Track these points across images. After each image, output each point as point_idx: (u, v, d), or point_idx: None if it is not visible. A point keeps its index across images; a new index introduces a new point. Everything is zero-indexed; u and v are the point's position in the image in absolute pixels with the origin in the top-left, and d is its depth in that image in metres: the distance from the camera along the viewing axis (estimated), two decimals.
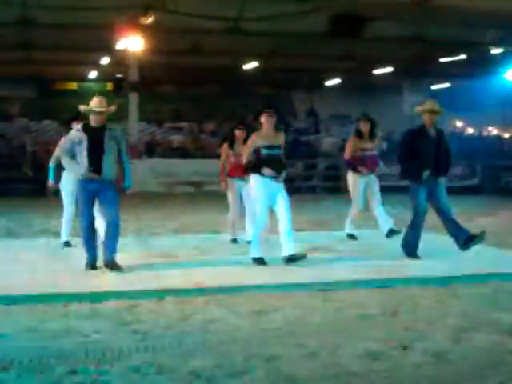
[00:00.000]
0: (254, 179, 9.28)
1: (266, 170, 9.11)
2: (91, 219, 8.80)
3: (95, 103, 8.63)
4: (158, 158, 23.57)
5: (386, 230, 11.21)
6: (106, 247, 8.71)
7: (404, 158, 9.82)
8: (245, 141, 10.39)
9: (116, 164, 8.78)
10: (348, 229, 11.57)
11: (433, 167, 9.54)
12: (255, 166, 9.24)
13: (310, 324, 6.47)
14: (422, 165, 9.51)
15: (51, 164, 10.54)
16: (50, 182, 10.61)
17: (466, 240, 9.60)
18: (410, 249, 9.76)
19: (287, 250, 9.09)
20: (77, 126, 8.90)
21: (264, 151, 9.19)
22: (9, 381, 4.97)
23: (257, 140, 9.29)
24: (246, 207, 10.73)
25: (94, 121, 8.67)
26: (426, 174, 9.48)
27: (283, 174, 9.28)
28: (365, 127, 11.37)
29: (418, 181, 9.52)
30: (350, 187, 11.55)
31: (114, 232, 8.69)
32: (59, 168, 10.03)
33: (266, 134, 9.30)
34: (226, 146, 10.98)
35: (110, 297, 7.35)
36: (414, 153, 9.58)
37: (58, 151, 10.05)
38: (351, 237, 11.48)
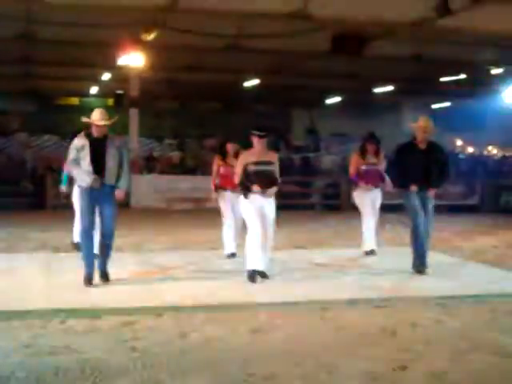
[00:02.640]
0: (242, 198, 9.39)
1: (255, 187, 9.19)
2: (91, 226, 9.00)
3: (96, 116, 8.89)
4: (158, 173, 23.60)
5: (364, 248, 11.48)
6: (100, 257, 9.03)
7: (392, 170, 10.23)
8: (236, 155, 10.58)
9: (118, 171, 8.99)
10: (366, 246, 11.54)
11: (422, 181, 9.72)
12: (244, 183, 9.33)
13: (309, 343, 6.44)
14: (410, 177, 9.73)
15: (65, 172, 10.57)
16: (62, 188, 10.63)
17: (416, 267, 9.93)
18: (416, 262, 9.88)
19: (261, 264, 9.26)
20: (79, 134, 9.16)
21: (251, 167, 9.28)
22: None
23: (246, 157, 9.41)
24: (235, 219, 10.84)
25: (95, 132, 8.94)
26: (413, 188, 9.68)
27: (271, 191, 9.29)
28: (371, 147, 11.42)
29: (407, 191, 9.75)
30: (358, 204, 11.55)
31: (108, 242, 8.98)
32: (72, 179, 10.19)
33: (254, 152, 9.40)
34: (217, 158, 11.07)
35: (109, 313, 7.33)
36: (402, 165, 9.79)
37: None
38: (371, 252, 11.45)
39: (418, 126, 9.82)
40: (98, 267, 8.98)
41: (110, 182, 8.91)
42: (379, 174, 11.50)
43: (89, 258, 8.97)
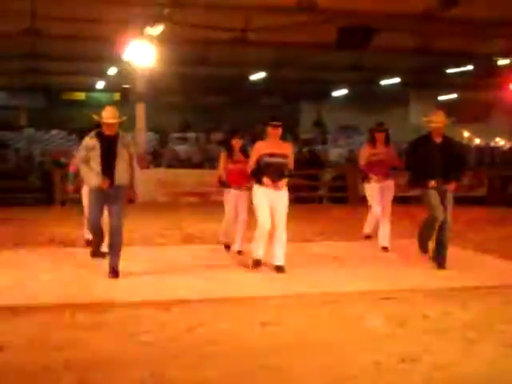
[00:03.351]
0: (255, 187, 9.52)
1: (265, 180, 9.30)
2: (99, 224, 9.11)
3: (107, 114, 8.88)
4: (165, 167, 23.63)
5: (380, 244, 11.30)
6: (109, 255, 9.01)
7: (411, 167, 9.98)
8: (241, 150, 10.77)
9: (128, 170, 9.00)
10: (366, 229, 11.68)
11: (440, 175, 9.59)
12: (256, 174, 9.44)
13: (319, 335, 6.45)
14: (427, 172, 9.62)
15: (71, 171, 10.62)
16: (70, 186, 10.62)
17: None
18: (422, 243, 9.98)
19: (276, 259, 9.38)
20: (90, 134, 9.14)
21: (265, 159, 9.36)
22: None
23: (260, 149, 9.46)
24: (239, 216, 10.84)
25: (106, 130, 8.93)
26: (432, 183, 9.57)
27: (282, 183, 9.36)
28: (379, 136, 11.38)
29: (425, 188, 9.63)
30: (368, 196, 11.49)
31: (116, 240, 8.93)
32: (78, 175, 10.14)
33: (269, 143, 9.43)
34: (223, 154, 11.07)
35: (117, 307, 7.35)
36: (420, 161, 9.67)
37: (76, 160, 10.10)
38: (368, 237, 11.62)
39: (430, 119, 9.72)
40: (109, 264, 8.95)
41: (119, 182, 8.90)
42: (389, 165, 11.43)
43: (97, 235, 9.22)
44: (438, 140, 9.68)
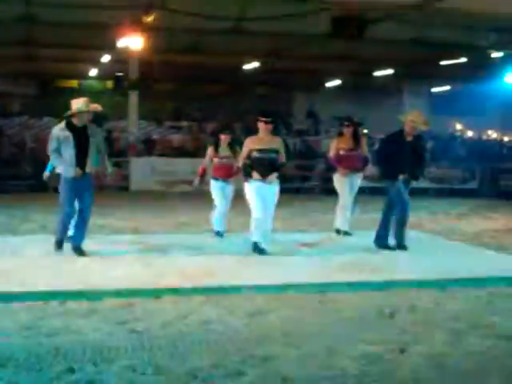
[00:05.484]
0: (246, 182, 9.67)
1: (254, 174, 9.50)
2: (73, 209, 9.42)
3: (79, 105, 9.18)
4: (157, 156, 23.60)
5: (336, 226, 11.69)
6: (76, 233, 9.48)
7: (380, 161, 10.49)
8: (229, 144, 11.02)
9: (97, 158, 9.36)
10: (338, 225, 11.73)
11: (408, 171, 10.09)
12: (245, 167, 9.60)
13: (307, 325, 6.47)
14: (397, 168, 10.04)
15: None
16: (46, 173, 10.58)
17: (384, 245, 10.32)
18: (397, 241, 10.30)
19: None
20: (60, 125, 9.38)
21: (254, 154, 9.54)
22: (6, 378, 4.97)
23: (250, 144, 9.61)
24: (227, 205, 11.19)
25: (78, 121, 9.23)
26: (401, 177, 10.06)
27: (272, 177, 9.55)
28: (347, 131, 11.60)
29: (395, 180, 10.08)
30: (337, 188, 11.68)
31: (85, 218, 9.37)
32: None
33: (260, 138, 9.56)
34: (211, 148, 11.26)
35: (108, 295, 7.35)
36: (390, 156, 10.08)
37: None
38: (338, 232, 11.69)
39: (407, 119, 10.07)
40: (74, 242, 9.42)
41: (90, 170, 9.26)
42: (358, 158, 11.57)
43: (63, 232, 9.54)
44: (410, 138, 10.16)
